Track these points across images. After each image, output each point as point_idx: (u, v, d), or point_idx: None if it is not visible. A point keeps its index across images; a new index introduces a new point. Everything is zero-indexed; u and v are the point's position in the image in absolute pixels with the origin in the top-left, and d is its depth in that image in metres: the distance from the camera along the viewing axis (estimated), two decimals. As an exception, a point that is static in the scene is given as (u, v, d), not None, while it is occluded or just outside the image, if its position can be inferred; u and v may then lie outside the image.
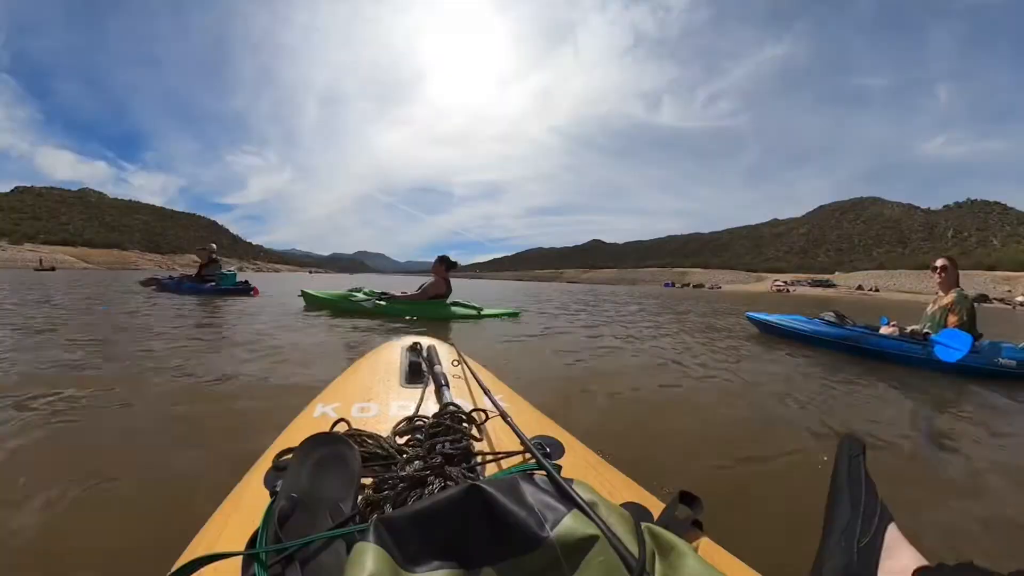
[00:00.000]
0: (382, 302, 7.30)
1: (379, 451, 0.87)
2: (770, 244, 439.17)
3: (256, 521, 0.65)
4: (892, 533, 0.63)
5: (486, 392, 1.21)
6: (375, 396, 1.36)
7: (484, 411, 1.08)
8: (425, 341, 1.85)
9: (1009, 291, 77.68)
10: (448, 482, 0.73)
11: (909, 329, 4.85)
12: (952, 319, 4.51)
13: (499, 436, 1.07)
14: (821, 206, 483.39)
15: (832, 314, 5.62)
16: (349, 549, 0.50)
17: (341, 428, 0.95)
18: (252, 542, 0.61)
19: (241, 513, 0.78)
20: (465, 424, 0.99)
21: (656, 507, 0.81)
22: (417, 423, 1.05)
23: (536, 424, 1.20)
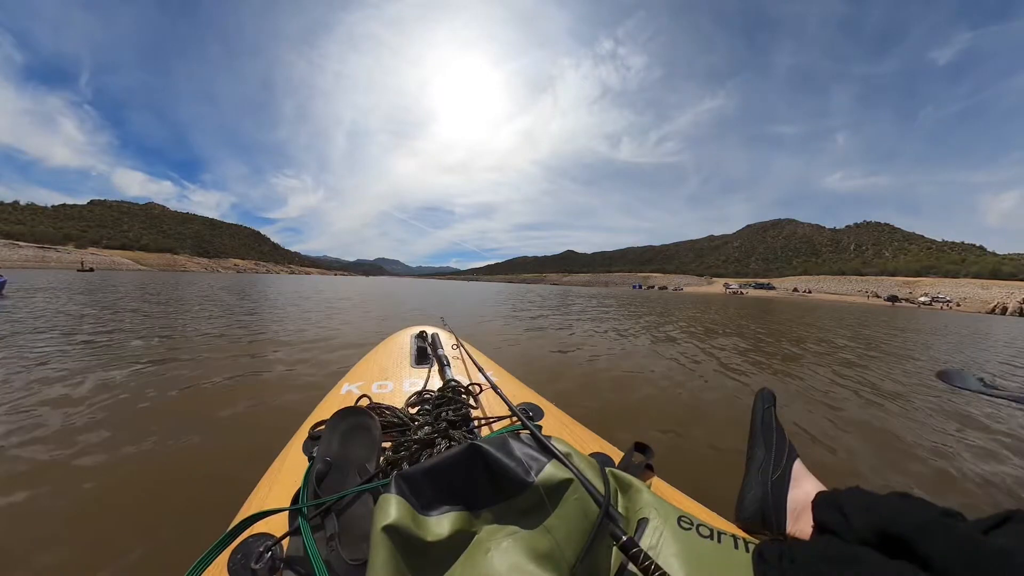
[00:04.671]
0: None
1: (395, 420, 0.86)
2: (709, 255, 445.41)
3: (297, 482, 0.64)
4: (798, 467, 0.66)
5: (480, 370, 1.24)
6: (390, 376, 1.33)
7: (479, 385, 1.09)
8: (430, 329, 1.85)
9: (911, 292, 79.16)
10: (452, 443, 0.74)
11: None
12: None
13: (492, 404, 1.07)
14: (748, 225, 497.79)
15: None
16: (376, 500, 0.51)
17: (364, 402, 0.92)
18: (295, 499, 0.60)
19: (284, 476, 0.77)
20: (464, 396, 0.98)
21: (617, 455, 0.84)
22: (425, 396, 1.03)
23: (520, 394, 1.20)
